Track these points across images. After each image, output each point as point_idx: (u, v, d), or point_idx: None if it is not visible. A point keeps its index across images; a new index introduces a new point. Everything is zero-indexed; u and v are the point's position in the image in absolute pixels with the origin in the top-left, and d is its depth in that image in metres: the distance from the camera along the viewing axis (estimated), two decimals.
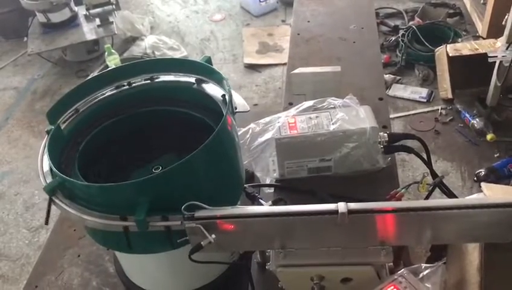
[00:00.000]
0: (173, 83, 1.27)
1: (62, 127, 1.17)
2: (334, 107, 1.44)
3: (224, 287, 1.30)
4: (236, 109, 1.20)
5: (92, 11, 3.86)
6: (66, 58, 4.19)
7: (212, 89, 1.22)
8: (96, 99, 1.25)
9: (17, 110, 3.80)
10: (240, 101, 1.24)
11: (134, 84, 1.28)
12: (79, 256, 1.52)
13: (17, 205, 2.98)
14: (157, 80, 1.28)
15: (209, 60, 1.26)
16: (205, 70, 1.24)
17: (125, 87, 1.27)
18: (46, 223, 1.06)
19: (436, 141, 2.95)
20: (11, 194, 3.06)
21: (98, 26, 3.87)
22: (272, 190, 1.47)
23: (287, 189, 1.43)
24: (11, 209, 2.97)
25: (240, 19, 4.51)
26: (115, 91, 1.27)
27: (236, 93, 1.24)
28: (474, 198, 1.25)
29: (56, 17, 3.89)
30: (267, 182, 1.50)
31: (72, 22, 3.95)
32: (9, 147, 3.44)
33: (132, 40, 4.16)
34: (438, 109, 3.16)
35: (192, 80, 1.26)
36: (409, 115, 3.18)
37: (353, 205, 0.95)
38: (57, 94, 3.84)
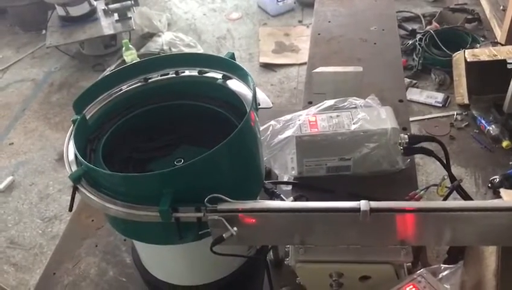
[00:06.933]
0: (197, 77, 1.28)
1: (87, 117, 1.19)
2: (356, 107, 1.44)
3: (241, 281, 1.31)
4: (259, 105, 1.20)
5: (111, 6, 3.91)
6: (83, 52, 4.23)
7: (236, 85, 1.23)
8: (122, 92, 1.26)
9: (34, 101, 3.84)
10: (262, 98, 1.25)
11: (158, 78, 1.30)
12: (96, 246, 1.54)
13: (32, 195, 3.02)
14: (181, 75, 1.29)
15: (232, 56, 1.26)
16: (229, 66, 1.25)
17: (150, 81, 1.29)
18: (70, 209, 1.08)
19: (451, 146, 2.94)
20: (26, 184, 3.10)
21: (116, 21, 3.92)
22: (289, 187, 1.48)
23: (306, 187, 1.43)
24: (26, 199, 3.01)
25: (256, 18, 4.53)
26: (139, 84, 1.29)
27: (259, 90, 1.25)
28: (494, 201, 1.25)
29: (75, 11, 3.94)
30: (285, 179, 1.50)
31: (90, 16, 4.00)
32: (25, 138, 3.48)
33: (149, 36, 4.19)
34: (454, 114, 3.15)
35: (217, 75, 1.27)
36: (424, 119, 3.18)
37: (375, 204, 0.96)
38: (74, 87, 3.88)
